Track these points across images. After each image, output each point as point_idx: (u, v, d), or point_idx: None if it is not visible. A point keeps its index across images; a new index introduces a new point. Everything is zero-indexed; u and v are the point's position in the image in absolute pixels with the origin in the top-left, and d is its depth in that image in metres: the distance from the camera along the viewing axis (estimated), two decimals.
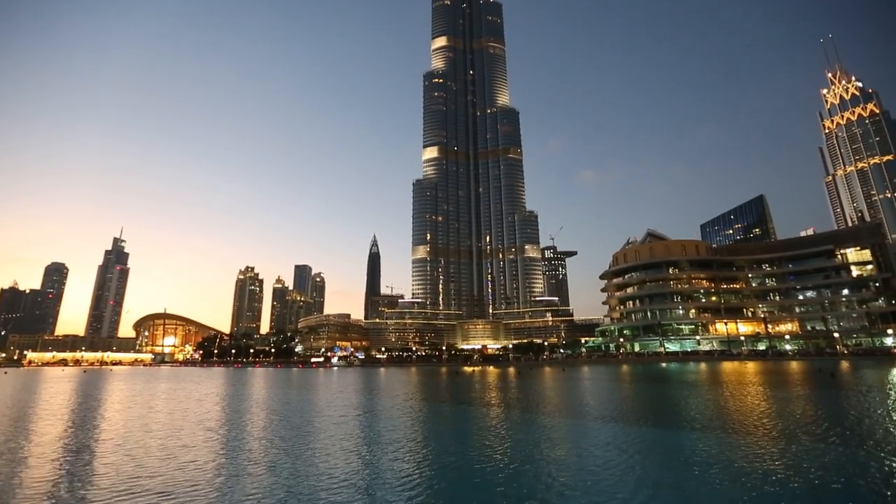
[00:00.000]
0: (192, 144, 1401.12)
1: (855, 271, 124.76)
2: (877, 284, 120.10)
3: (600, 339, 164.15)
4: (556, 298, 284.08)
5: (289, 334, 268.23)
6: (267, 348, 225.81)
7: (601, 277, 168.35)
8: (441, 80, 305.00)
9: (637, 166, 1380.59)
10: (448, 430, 21.80)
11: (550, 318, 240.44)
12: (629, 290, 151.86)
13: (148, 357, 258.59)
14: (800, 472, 12.03)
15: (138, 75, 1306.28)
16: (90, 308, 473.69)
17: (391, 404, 32.28)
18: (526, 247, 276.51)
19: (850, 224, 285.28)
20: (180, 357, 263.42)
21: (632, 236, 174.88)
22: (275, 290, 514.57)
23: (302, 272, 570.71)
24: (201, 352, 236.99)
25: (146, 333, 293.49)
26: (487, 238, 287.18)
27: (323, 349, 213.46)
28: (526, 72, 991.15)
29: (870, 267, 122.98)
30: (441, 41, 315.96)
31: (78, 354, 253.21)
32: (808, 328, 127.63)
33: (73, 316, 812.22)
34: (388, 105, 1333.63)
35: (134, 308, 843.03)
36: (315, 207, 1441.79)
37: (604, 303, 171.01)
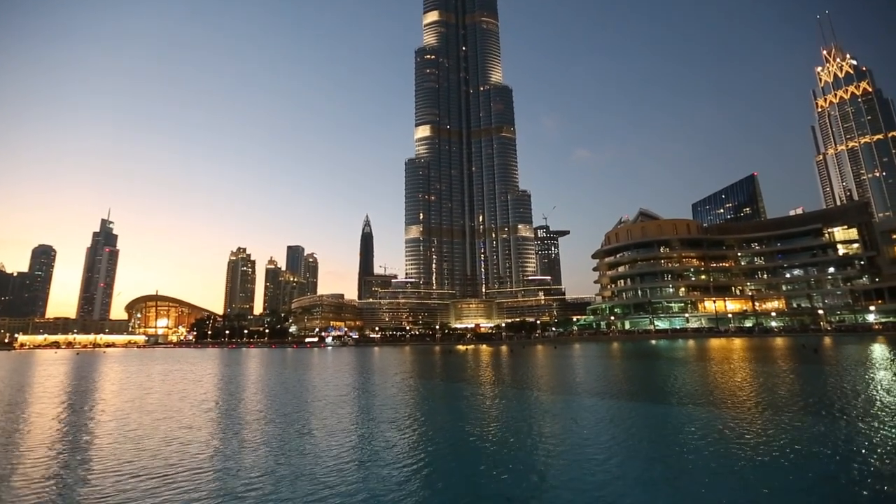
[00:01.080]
0: (180, 127, 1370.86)
1: (841, 250, 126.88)
2: (862, 263, 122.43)
3: (591, 317, 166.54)
4: (549, 277, 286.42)
5: (282, 315, 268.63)
6: (261, 329, 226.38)
7: (593, 256, 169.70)
8: (433, 57, 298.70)
9: (630, 146, 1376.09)
10: (442, 407, 22.31)
11: (543, 297, 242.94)
12: (621, 268, 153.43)
13: (141, 339, 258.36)
14: (781, 442, 12.58)
15: (125, 59, 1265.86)
16: (80, 290, 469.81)
17: (386, 383, 32.84)
18: (519, 226, 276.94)
19: (838, 203, 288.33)
20: (174, 338, 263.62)
21: (624, 215, 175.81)
22: (267, 270, 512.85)
23: (295, 253, 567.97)
24: (195, 333, 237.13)
25: (139, 315, 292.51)
26: (480, 217, 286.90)
27: (317, 329, 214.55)
28: (519, 48, 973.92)
29: (856, 245, 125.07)
30: (433, 16, 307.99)
31: (70, 337, 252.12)
32: (794, 305, 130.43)
33: (63, 298, 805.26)
34: (380, 83, 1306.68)
35: (125, 290, 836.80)
36: (307, 188, 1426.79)
37: (595, 282, 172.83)
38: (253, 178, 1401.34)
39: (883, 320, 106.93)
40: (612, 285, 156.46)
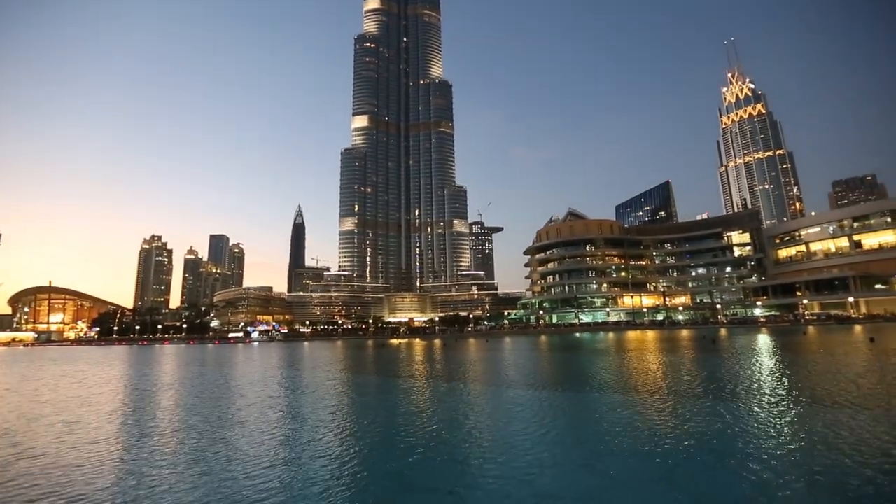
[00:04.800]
0: (85, 104, 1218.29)
1: (737, 251, 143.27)
2: (752, 263, 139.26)
3: (522, 311, 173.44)
4: (482, 272, 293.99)
5: (203, 308, 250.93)
6: (178, 324, 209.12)
7: (525, 253, 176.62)
8: (373, 46, 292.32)
9: (563, 147, 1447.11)
10: (375, 402, 22.08)
11: (476, 292, 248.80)
12: (550, 265, 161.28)
13: (29, 336, 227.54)
14: (687, 422, 14.00)
15: (17, 32, 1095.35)
16: None
17: (316, 379, 31.83)
18: (454, 221, 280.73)
19: (736, 210, 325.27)
20: (72, 335, 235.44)
21: (555, 214, 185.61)
22: (186, 261, 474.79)
23: (218, 242, 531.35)
24: (98, 329, 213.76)
25: (26, 310, 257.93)
26: (416, 211, 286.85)
27: (242, 324, 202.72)
28: (460, 44, 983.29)
29: (748, 248, 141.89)
30: (374, 2, 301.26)
31: None
32: (698, 301, 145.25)
33: None
34: (317, 69, 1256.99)
35: (9, 282, 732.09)
36: (234, 174, 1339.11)
37: (526, 277, 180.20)
38: (170, 161, 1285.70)
39: (766, 314, 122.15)
40: (542, 281, 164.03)
